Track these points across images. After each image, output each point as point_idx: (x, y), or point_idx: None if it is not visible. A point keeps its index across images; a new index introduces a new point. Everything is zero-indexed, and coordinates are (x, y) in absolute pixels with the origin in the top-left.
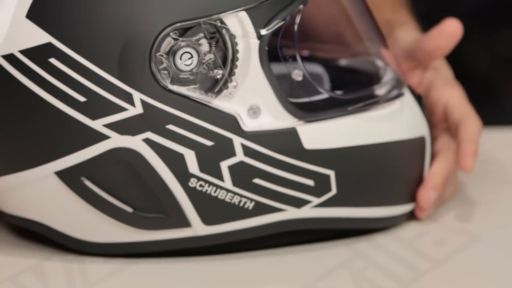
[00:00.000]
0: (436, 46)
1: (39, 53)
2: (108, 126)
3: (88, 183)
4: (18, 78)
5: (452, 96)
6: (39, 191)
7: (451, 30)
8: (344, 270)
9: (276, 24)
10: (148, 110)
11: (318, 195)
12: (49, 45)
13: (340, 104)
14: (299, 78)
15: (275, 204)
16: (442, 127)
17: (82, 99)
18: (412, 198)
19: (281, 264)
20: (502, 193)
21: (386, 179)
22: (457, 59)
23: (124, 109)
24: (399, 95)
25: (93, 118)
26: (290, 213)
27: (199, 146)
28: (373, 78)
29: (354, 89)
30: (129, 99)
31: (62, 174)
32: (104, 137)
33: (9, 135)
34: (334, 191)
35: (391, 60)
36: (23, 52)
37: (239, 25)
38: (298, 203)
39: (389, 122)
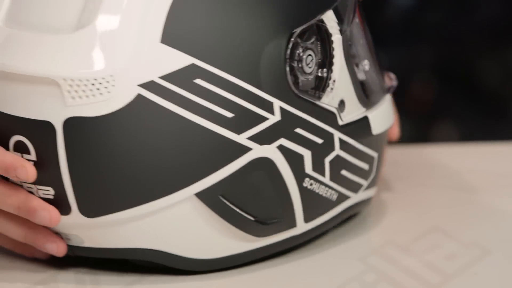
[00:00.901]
0: None
1: (182, 76)
2: (251, 138)
3: (222, 198)
4: (160, 104)
5: None
6: (171, 216)
7: None
8: (356, 284)
9: (352, 19)
10: (284, 117)
11: (367, 178)
12: (192, 66)
13: (385, 90)
14: (367, 68)
15: (347, 192)
16: None
17: (229, 115)
18: None
19: (292, 279)
20: None
21: (383, 158)
22: (468, 73)
23: (265, 119)
24: (395, 86)
25: (239, 132)
26: (352, 199)
27: (314, 145)
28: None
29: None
30: (269, 108)
31: (203, 195)
32: (247, 149)
33: (149, 164)
34: (374, 173)
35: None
36: (164, 77)
37: (328, 22)
38: (358, 188)
39: (392, 105)
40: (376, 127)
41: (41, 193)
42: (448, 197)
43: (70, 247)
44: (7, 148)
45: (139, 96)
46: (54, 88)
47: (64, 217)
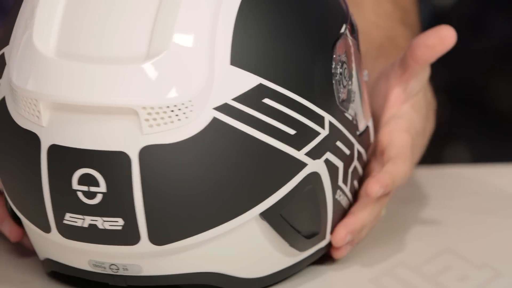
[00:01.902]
0: (422, 43)
1: (252, 97)
2: (307, 153)
3: (281, 215)
4: (234, 126)
5: (400, 139)
6: (236, 238)
7: (442, 32)
8: None
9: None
10: (331, 131)
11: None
12: (260, 86)
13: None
14: (367, 78)
15: (352, 201)
16: (379, 165)
17: (292, 132)
18: None
19: None
20: None
21: None
22: (481, 95)
23: (318, 134)
24: None
25: (299, 148)
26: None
27: (345, 157)
28: None
29: None
30: (321, 122)
31: (267, 213)
32: (304, 165)
33: (222, 186)
34: None
35: None
36: (236, 99)
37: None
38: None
39: None
40: (372, 136)
41: (107, 225)
42: (460, 219)
43: (123, 277)
44: (69, 182)
45: (215, 120)
46: (131, 117)
47: (129, 247)
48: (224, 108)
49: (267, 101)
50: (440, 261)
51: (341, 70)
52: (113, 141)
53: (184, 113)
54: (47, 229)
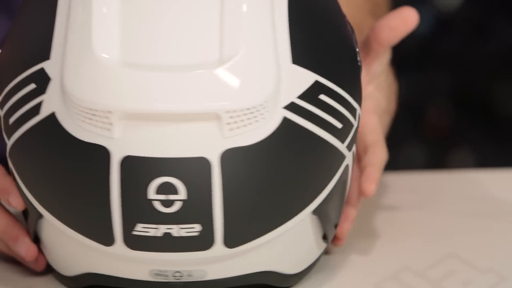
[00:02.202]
0: (386, 25)
1: (312, 94)
2: (347, 146)
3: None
4: (300, 124)
5: (370, 121)
6: (293, 235)
7: (405, 13)
8: None
9: None
10: (359, 122)
11: None
12: (316, 83)
13: None
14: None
15: None
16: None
17: (339, 125)
18: None
19: None
20: None
21: None
22: (485, 100)
23: (353, 126)
24: None
25: (343, 141)
26: None
27: (356, 146)
28: None
29: None
30: (355, 114)
31: (319, 208)
32: (344, 157)
33: (290, 183)
34: None
35: None
36: (300, 97)
37: None
38: None
39: None
40: None
41: (183, 232)
42: (464, 224)
43: (185, 284)
44: (144, 193)
45: (285, 119)
46: (211, 122)
47: (201, 253)
48: (292, 107)
49: (322, 97)
50: (444, 266)
51: (360, 63)
52: (194, 147)
53: (261, 114)
54: (109, 242)
